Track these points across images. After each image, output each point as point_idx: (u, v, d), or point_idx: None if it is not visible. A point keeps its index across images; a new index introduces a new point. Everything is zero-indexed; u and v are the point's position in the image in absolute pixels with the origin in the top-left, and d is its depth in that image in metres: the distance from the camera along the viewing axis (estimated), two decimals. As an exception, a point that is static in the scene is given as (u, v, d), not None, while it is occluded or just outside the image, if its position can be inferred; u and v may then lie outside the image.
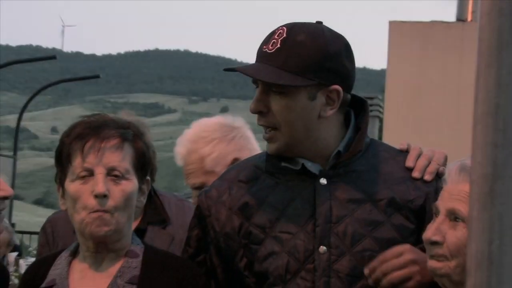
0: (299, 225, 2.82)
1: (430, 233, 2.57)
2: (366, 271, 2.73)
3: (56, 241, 3.65)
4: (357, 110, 2.91)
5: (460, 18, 9.22)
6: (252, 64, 2.77)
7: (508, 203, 1.16)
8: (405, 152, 2.96)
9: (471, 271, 1.17)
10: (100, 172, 2.79)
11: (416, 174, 2.88)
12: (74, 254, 2.95)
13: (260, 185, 2.89)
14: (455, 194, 2.57)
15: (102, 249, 2.85)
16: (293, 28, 2.75)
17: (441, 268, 2.59)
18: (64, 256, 2.95)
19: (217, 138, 3.85)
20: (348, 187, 2.83)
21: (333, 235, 2.80)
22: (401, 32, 9.43)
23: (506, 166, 1.15)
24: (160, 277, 2.84)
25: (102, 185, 2.77)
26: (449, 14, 9.13)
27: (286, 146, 2.81)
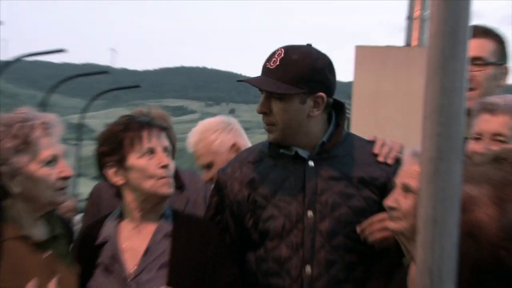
0: (292, 196, 2.85)
1: (389, 201, 2.58)
2: (358, 229, 2.80)
3: (100, 203, 3.63)
4: (337, 111, 2.94)
5: (408, 44, 8.79)
6: (258, 77, 2.80)
7: (448, 180, 1.14)
8: (372, 142, 2.98)
9: (420, 229, 1.14)
10: (160, 150, 2.85)
11: (380, 158, 2.91)
12: (120, 217, 2.91)
13: (264, 166, 2.92)
14: (408, 172, 2.55)
15: (152, 209, 2.87)
16: (289, 49, 2.79)
17: (397, 227, 2.57)
18: (111, 219, 2.93)
19: (219, 129, 3.91)
20: (329, 168, 2.86)
21: (317, 203, 2.82)
22: (364, 54, 9.26)
23: (447, 152, 1.12)
24: (187, 232, 2.85)
25: (166, 159, 2.84)
26: (400, 40, 8.73)
27: (282, 137, 2.83)
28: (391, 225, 2.56)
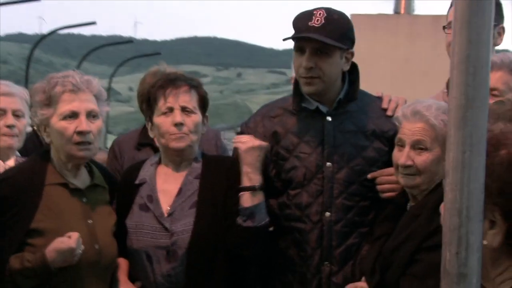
0: (312, 148, 2.77)
1: (403, 159, 2.51)
2: (369, 176, 2.74)
3: (121, 155, 3.48)
4: (349, 71, 2.83)
5: (397, 12, 9.17)
6: (304, 34, 2.67)
7: (475, 125, 1.04)
8: (380, 98, 2.91)
9: (449, 172, 1.05)
10: (177, 108, 2.73)
11: (389, 112, 2.83)
12: (157, 163, 2.86)
13: (285, 120, 2.81)
14: (415, 130, 2.50)
15: (179, 157, 2.80)
16: (328, 10, 2.70)
17: (414, 182, 2.52)
18: (149, 163, 2.87)
19: None
20: (345, 122, 2.78)
21: (335, 155, 2.75)
22: (359, 21, 9.04)
23: (474, 100, 1.02)
24: (214, 173, 2.79)
25: (179, 117, 2.73)
26: (389, 8, 9.05)
27: (322, 89, 2.75)
28: (407, 181, 2.51)
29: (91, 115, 2.64)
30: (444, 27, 3.00)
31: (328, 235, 2.71)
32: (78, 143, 2.61)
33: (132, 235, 2.70)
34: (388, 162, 2.64)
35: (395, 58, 9.26)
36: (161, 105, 2.70)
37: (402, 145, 2.52)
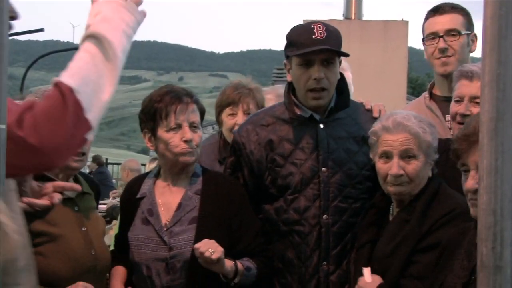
0: (307, 154, 2.84)
1: (395, 169, 2.56)
2: None
3: None
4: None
5: (347, 17, 8.95)
6: (317, 47, 2.75)
7: (505, 135, 1.19)
8: (361, 103, 3.02)
9: (483, 177, 1.19)
10: (186, 125, 2.78)
11: (375, 114, 2.98)
12: (157, 176, 2.90)
13: (278, 128, 2.87)
14: (401, 140, 2.57)
15: (181, 172, 2.82)
16: (323, 23, 2.78)
17: (405, 189, 2.59)
18: (149, 177, 2.92)
19: None
20: (337, 129, 2.87)
21: (330, 160, 2.82)
22: None
23: (504, 113, 1.18)
24: (215, 189, 2.80)
25: (189, 134, 2.77)
26: (338, 13, 8.74)
27: (327, 102, 2.87)
28: (399, 189, 2.58)
29: None
30: (423, 40, 3.16)
31: (326, 237, 2.79)
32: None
33: (134, 248, 2.74)
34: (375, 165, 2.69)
35: (349, 62, 9.28)
36: (171, 120, 2.74)
37: (388, 157, 2.57)
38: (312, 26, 2.72)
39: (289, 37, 2.78)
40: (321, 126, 2.84)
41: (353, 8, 9.67)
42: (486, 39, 1.18)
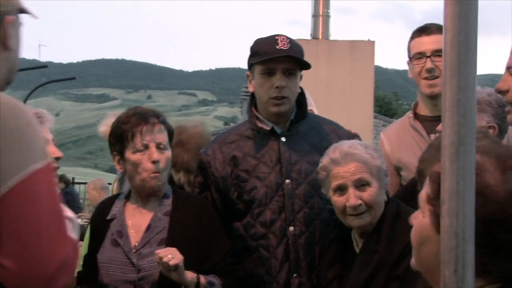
0: (270, 167, 2.85)
1: (352, 200, 2.52)
2: None
3: None
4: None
5: (315, 37, 9.22)
6: (281, 54, 2.80)
7: (466, 159, 1.22)
8: (325, 118, 3.06)
9: (445, 200, 1.22)
10: (153, 146, 2.75)
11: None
12: (127, 198, 2.87)
13: (242, 145, 2.90)
14: (352, 170, 2.55)
15: (150, 195, 2.81)
16: (286, 36, 2.83)
17: (366, 220, 2.56)
18: (119, 200, 2.90)
19: None
20: (298, 141, 2.88)
21: (293, 172, 2.83)
22: None
23: (465, 137, 1.20)
24: (184, 210, 2.79)
25: (156, 154, 2.73)
26: (306, 33, 8.60)
27: (288, 109, 2.89)
28: (357, 221, 2.53)
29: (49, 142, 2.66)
30: (410, 59, 3.17)
31: (294, 248, 2.77)
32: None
33: (102, 270, 2.71)
34: None
35: (317, 82, 9.38)
36: (137, 142, 2.71)
37: (342, 189, 2.53)
38: (276, 38, 2.78)
39: (253, 47, 2.83)
40: (283, 139, 2.86)
41: (320, 28, 9.84)
42: (446, 65, 1.21)
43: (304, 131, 2.88)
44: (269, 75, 2.78)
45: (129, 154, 2.72)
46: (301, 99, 2.90)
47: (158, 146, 2.72)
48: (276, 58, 2.72)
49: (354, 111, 9.88)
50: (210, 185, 2.89)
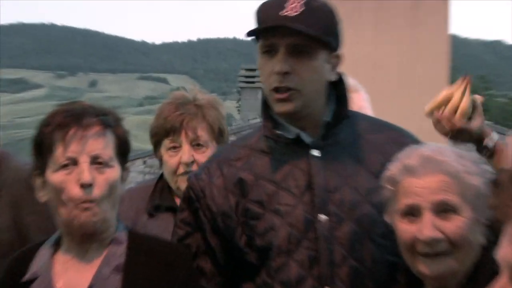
0: (297, 196, 2.27)
1: (427, 231, 1.95)
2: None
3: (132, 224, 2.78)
4: (332, 83, 2.41)
5: None
6: (277, 25, 2.14)
7: None
8: (377, 118, 2.47)
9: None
10: (84, 161, 2.12)
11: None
12: (57, 246, 2.28)
13: (254, 163, 2.33)
14: (433, 187, 1.95)
15: (88, 239, 2.23)
16: None
17: (447, 266, 1.90)
18: (45, 248, 2.32)
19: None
20: (339, 156, 2.30)
21: (331, 203, 2.24)
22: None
23: None
24: (146, 263, 2.24)
25: (87, 173, 2.10)
26: None
27: (301, 107, 2.23)
28: (434, 268, 1.95)
29: None
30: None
31: None
32: None
33: None
34: None
35: (359, 60, 6.56)
36: (59, 154, 2.16)
37: (415, 214, 2.01)
38: None
39: (256, 11, 2.33)
40: (315, 153, 2.29)
41: None
42: None
43: (348, 140, 2.35)
44: (270, 55, 2.27)
45: (49, 175, 2.20)
46: (340, 90, 2.39)
47: (95, 161, 2.17)
48: (275, 29, 2.24)
49: (417, 106, 7.29)
50: (203, 224, 2.40)
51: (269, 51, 2.24)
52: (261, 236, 2.28)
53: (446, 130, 2.29)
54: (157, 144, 2.88)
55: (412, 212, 2.00)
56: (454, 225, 1.94)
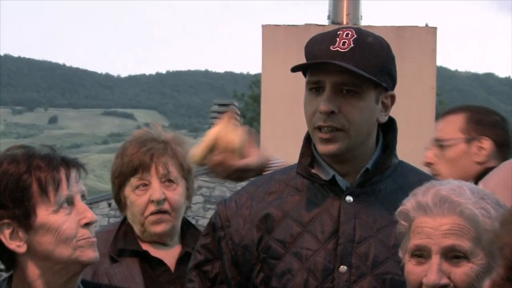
0: (320, 242, 2.23)
1: (433, 276, 1.92)
2: None
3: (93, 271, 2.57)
4: (382, 128, 2.37)
5: (336, 21, 6.14)
6: (324, 62, 2.07)
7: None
8: (429, 175, 2.47)
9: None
10: (79, 199, 1.98)
11: None
12: None
13: (284, 199, 2.30)
14: (444, 229, 1.91)
15: None
16: (360, 30, 2.22)
17: None
18: None
19: None
20: (374, 207, 2.25)
21: (354, 255, 2.22)
22: (275, 36, 6.00)
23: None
24: None
25: (90, 211, 1.99)
26: (322, 16, 6.29)
27: (346, 149, 2.19)
28: None
29: None
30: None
31: None
32: None
33: None
34: None
35: None
36: (59, 193, 1.96)
37: (423, 256, 2.01)
38: (338, 32, 2.21)
39: (305, 47, 2.28)
40: (349, 199, 2.24)
41: (345, 8, 6.56)
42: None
43: (388, 191, 2.29)
44: (317, 92, 2.22)
45: (44, 217, 1.94)
46: (388, 136, 2.34)
47: (83, 198, 2.13)
48: (322, 65, 2.18)
49: (402, 141, 6.72)
50: (224, 255, 2.35)
51: (316, 88, 2.17)
52: (278, 278, 2.25)
53: (228, 173, 2.25)
54: (121, 185, 2.72)
55: (422, 254, 1.99)
56: (462, 272, 1.92)
